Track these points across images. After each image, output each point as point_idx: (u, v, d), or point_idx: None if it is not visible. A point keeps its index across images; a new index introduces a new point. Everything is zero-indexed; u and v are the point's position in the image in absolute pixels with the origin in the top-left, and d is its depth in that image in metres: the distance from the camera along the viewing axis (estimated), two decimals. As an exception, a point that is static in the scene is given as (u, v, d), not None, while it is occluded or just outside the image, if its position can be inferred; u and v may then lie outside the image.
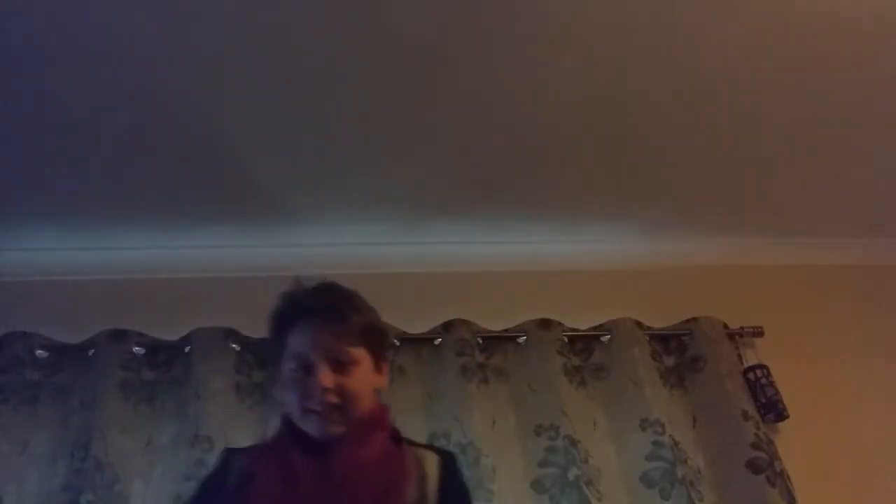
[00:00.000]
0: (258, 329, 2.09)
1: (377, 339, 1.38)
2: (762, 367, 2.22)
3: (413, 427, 2.00)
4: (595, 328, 2.26)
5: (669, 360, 2.26)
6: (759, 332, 2.33)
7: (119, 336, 2.04)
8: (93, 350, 2.03)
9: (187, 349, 2.05)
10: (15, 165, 2.02)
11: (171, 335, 2.08)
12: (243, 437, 1.92)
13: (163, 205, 2.20)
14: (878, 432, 2.24)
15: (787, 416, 2.15)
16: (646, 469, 1.98)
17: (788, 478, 1.99)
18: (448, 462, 1.36)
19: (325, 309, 1.34)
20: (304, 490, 1.23)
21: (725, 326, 2.29)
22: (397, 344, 2.14)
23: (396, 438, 1.36)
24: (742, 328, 2.32)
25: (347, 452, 1.27)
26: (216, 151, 2.03)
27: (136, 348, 2.05)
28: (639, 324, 2.25)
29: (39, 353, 2.04)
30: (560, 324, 2.22)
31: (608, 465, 2.01)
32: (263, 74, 1.84)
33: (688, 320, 2.29)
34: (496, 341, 2.21)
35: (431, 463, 1.32)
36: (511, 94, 1.95)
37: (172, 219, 2.25)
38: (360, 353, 1.32)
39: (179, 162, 2.06)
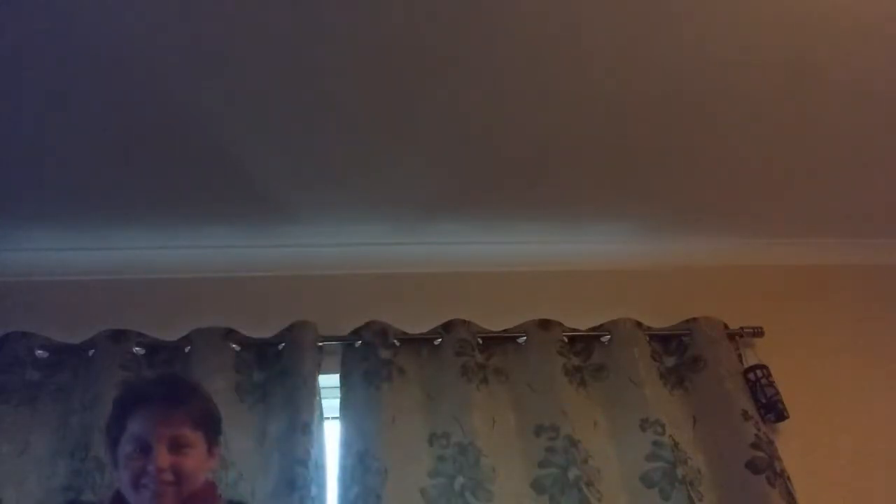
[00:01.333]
0: (258, 329, 2.11)
1: (212, 425, 1.51)
2: (762, 367, 2.22)
3: (413, 427, 2.01)
4: (595, 328, 2.26)
5: (669, 361, 2.26)
6: (759, 332, 2.33)
7: (119, 336, 2.04)
8: (93, 350, 2.03)
9: (187, 349, 2.05)
10: (15, 165, 2.02)
11: (171, 335, 2.08)
12: (243, 437, 1.92)
13: (163, 205, 2.20)
14: (877, 432, 2.24)
15: (787, 416, 2.15)
16: (646, 469, 1.98)
17: (788, 478, 1.99)
18: None
19: (165, 395, 1.46)
20: None
21: (725, 326, 2.29)
22: (397, 344, 2.14)
23: None
24: (742, 328, 2.32)
25: None
26: (216, 151, 2.03)
27: (136, 348, 2.05)
28: (639, 324, 2.25)
29: (39, 353, 2.04)
30: (560, 324, 2.22)
31: (608, 466, 2.01)
32: (264, 75, 1.84)
33: (688, 320, 2.29)
34: (496, 341, 2.21)
35: None
36: (511, 94, 1.95)
37: (172, 219, 2.25)
38: (196, 437, 1.45)
39: (179, 162, 2.06)
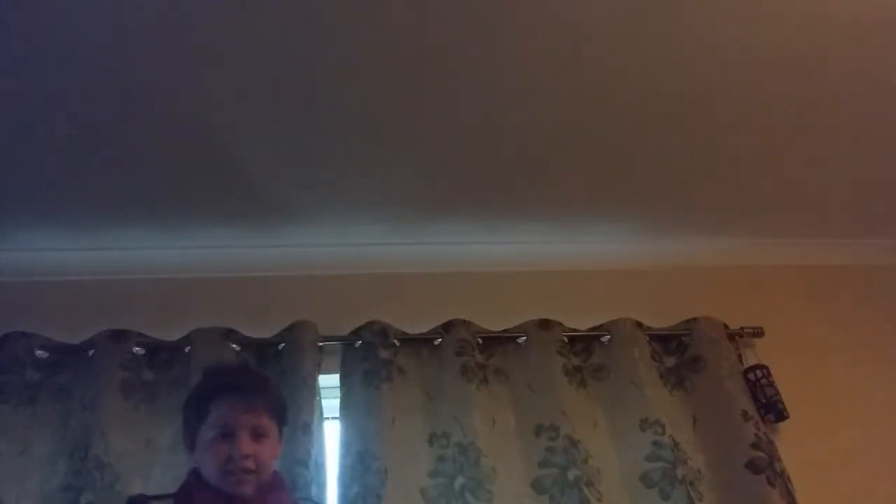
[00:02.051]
0: (258, 329, 2.11)
1: (284, 414, 1.59)
2: (762, 367, 2.22)
3: (413, 427, 2.01)
4: (595, 328, 2.26)
5: (669, 361, 2.26)
6: (759, 333, 2.33)
7: (119, 336, 2.04)
8: (93, 350, 2.03)
9: (187, 349, 2.05)
10: (15, 165, 2.02)
11: (171, 335, 2.08)
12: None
13: (162, 205, 2.20)
14: (877, 432, 2.24)
15: (787, 416, 2.15)
16: (646, 469, 1.98)
17: (788, 478, 1.99)
18: None
19: (249, 386, 1.54)
20: None
21: (725, 327, 2.29)
22: (397, 344, 2.14)
23: (291, 495, 1.60)
24: (742, 328, 2.32)
25: None
26: (216, 151, 2.03)
27: (136, 348, 2.05)
28: (639, 324, 2.25)
29: (39, 353, 2.04)
30: (560, 324, 2.22)
31: (608, 466, 2.01)
32: (264, 75, 1.84)
33: (688, 321, 2.29)
34: (496, 341, 2.21)
35: None
36: (511, 94, 1.95)
37: (172, 219, 2.25)
38: (272, 427, 1.53)
39: (179, 162, 2.06)
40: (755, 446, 2.01)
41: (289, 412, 1.62)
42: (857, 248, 2.63)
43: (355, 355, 2.11)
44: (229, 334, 2.08)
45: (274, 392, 1.59)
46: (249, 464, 1.45)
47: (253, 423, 1.48)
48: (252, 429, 1.48)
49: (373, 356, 2.07)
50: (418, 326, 2.20)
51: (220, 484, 1.45)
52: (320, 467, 1.90)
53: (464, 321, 2.18)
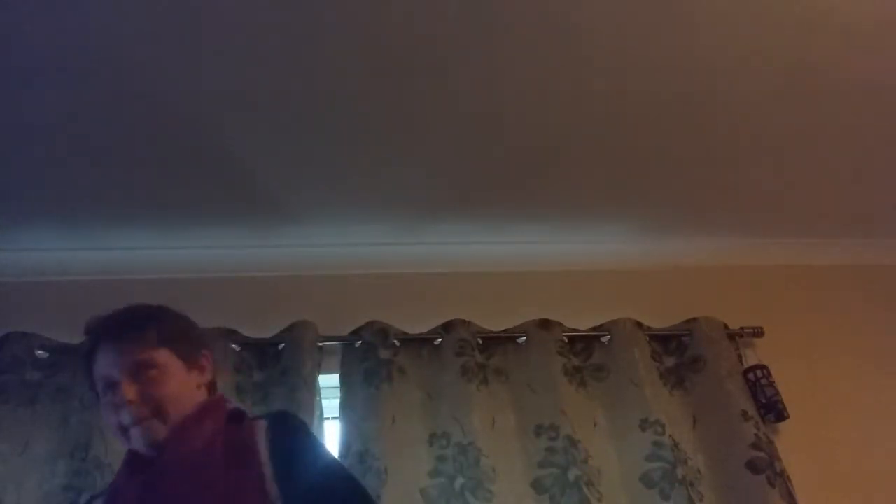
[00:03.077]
0: (258, 329, 2.11)
1: (181, 338, 1.35)
2: (762, 367, 2.22)
3: (413, 427, 2.01)
4: (595, 328, 2.26)
5: (669, 361, 2.26)
6: (759, 333, 2.32)
7: (119, 336, 2.03)
8: (93, 350, 2.02)
9: (187, 349, 2.05)
10: (15, 165, 2.02)
11: (171, 335, 2.08)
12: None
13: (163, 205, 2.20)
14: (878, 432, 2.24)
15: (787, 417, 2.15)
16: (646, 469, 1.97)
17: (788, 478, 1.99)
18: (274, 423, 1.26)
19: (116, 326, 1.32)
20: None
21: (725, 327, 2.29)
22: (397, 345, 2.14)
23: (237, 418, 1.31)
24: (742, 328, 2.32)
25: (174, 451, 1.22)
26: (216, 151, 2.03)
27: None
28: (639, 324, 2.25)
29: (39, 353, 2.03)
30: (560, 324, 2.22)
31: (608, 466, 2.01)
32: (264, 75, 1.84)
33: (688, 321, 2.29)
34: (496, 341, 2.21)
35: (260, 430, 1.24)
36: (511, 94, 1.95)
37: (172, 219, 2.25)
38: (165, 356, 1.30)
39: (179, 162, 2.06)
40: (755, 446, 2.01)
41: (188, 334, 1.37)
42: (857, 248, 2.63)
43: (355, 355, 2.11)
44: (229, 334, 2.08)
45: (160, 321, 1.35)
46: (140, 410, 1.23)
47: (131, 362, 1.26)
48: (131, 367, 1.26)
49: (373, 356, 2.07)
50: (418, 326, 2.20)
51: (129, 444, 1.26)
52: (320, 467, 1.90)
53: (464, 321, 2.18)
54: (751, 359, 2.28)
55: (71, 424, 1.91)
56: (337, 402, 2.05)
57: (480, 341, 2.18)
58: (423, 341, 2.17)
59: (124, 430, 1.26)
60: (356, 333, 2.14)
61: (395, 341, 2.13)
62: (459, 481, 1.90)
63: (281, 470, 1.19)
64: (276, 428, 1.25)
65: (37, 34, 1.68)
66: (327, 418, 2.05)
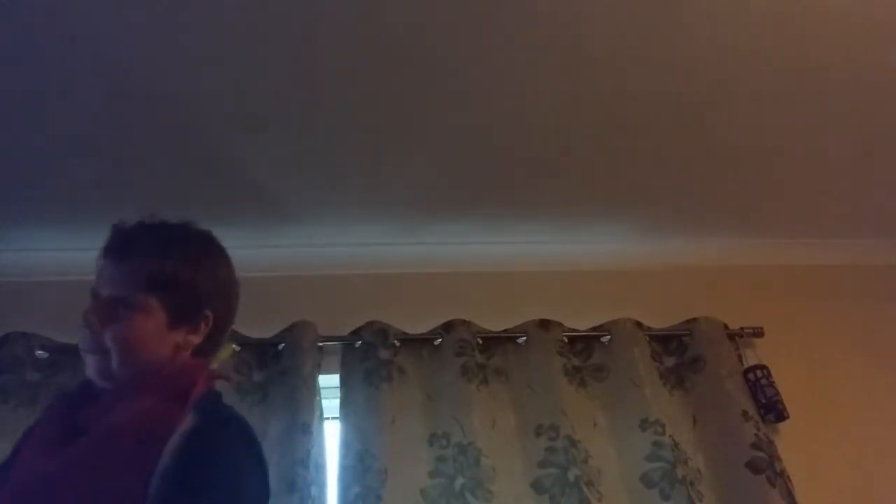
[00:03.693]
0: (258, 329, 2.10)
1: (181, 288, 1.20)
2: (762, 367, 2.22)
3: (413, 427, 2.01)
4: (595, 328, 2.26)
5: (669, 361, 2.26)
6: (759, 333, 2.32)
7: (119, 336, 2.03)
8: (93, 350, 2.02)
9: (187, 349, 2.05)
10: (15, 165, 2.02)
11: (171, 335, 2.08)
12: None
13: (163, 205, 2.17)
14: (878, 432, 2.24)
15: (787, 417, 2.15)
16: (646, 469, 1.98)
17: (788, 478, 1.99)
18: (196, 429, 1.09)
19: (119, 246, 1.21)
20: (50, 449, 1.07)
21: (725, 327, 2.29)
22: (397, 345, 2.14)
23: (182, 403, 1.11)
24: (742, 328, 2.32)
25: (108, 409, 1.09)
26: (216, 152, 2.03)
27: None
28: (639, 324, 2.25)
29: (39, 353, 2.03)
30: (560, 324, 2.22)
31: (608, 466, 2.01)
32: (264, 75, 1.83)
33: (688, 321, 2.29)
34: (496, 341, 2.21)
35: (183, 429, 1.09)
36: (511, 94, 1.95)
37: (172, 219, 2.24)
38: (150, 302, 1.17)
39: (179, 162, 2.06)
40: (755, 446, 2.01)
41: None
42: (857, 248, 2.63)
43: (355, 355, 2.11)
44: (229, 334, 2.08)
45: (163, 260, 1.21)
46: (99, 341, 1.13)
47: (110, 294, 1.16)
48: (108, 299, 1.16)
49: (373, 356, 2.07)
50: (418, 326, 2.20)
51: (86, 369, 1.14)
52: (320, 467, 1.90)
53: (464, 321, 2.18)
54: (751, 359, 2.28)
55: (71, 424, 1.91)
56: (337, 402, 2.05)
57: (480, 341, 2.18)
58: (423, 341, 2.17)
59: (83, 351, 1.16)
60: (356, 333, 2.14)
61: (395, 341, 2.13)
62: (459, 481, 1.90)
63: (169, 479, 1.03)
64: (193, 437, 1.08)
65: (37, 34, 1.68)
66: (327, 418, 2.05)
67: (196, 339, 1.24)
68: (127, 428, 1.07)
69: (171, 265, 1.21)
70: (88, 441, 1.06)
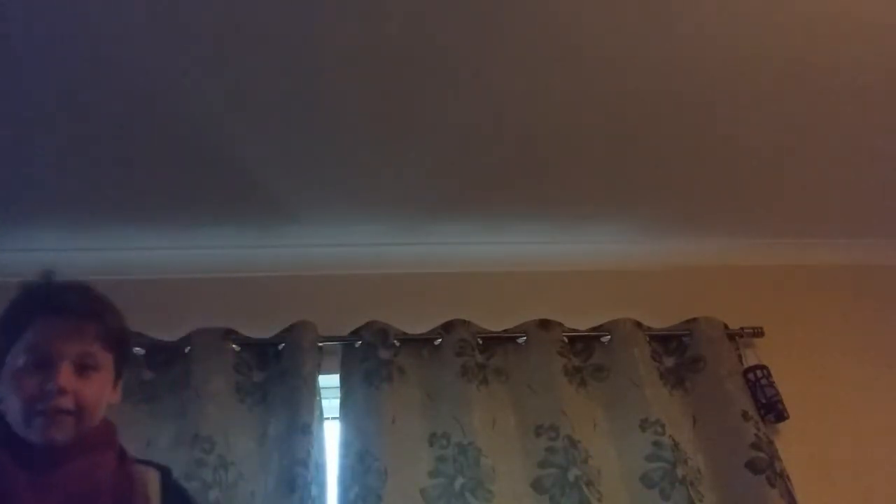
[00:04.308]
0: (258, 329, 2.11)
1: (124, 350, 1.28)
2: (762, 367, 2.22)
3: (413, 427, 2.01)
4: (595, 329, 2.26)
5: (669, 361, 2.26)
6: (759, 333, 2.32)
7: (119, 336, 2.03)
8: (93, 350, 2.02)
9: (187, 349, 2.05)
10: (15, 165, 2.02)
11: (171, 335, 2.08)
12: (243, 438, 1.92)
13: (163, 205, 2.20)
14: (878, 432, 2.24)
15: (787, 417, 2.15)
16: (646, 469, 1.98)
17: (788, 478, 1.99)
18: (166, 476, 1.28)
19: (79, 304, 1.22)
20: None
21: (725, 327, 2.29)
22: (397, 345, 2.14)
23: (122, 456, 1.24)
24: (742, 328, 2.32)
25: (75, 466, 1.14)
26: (216, 151, 2.03)
27: (136, 348, 2.04)
28: (639, 324, 2.25)
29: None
30: (560, 324, 2.22)
31: (608, 466, 2.01)
32: (263, 74, 1.84)
33: (688, 321, 2.29)
34: (496, 342, 2.21)
35: (153, 479, 1.24)
36: (511, 94, 1.95)
37: (173, 219, 2.25)
38: (106, 360, 1.22)
39: (179, 162, 2.06)
40: (755, 446, 2.01)
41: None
42: (857, 248, 2.63)
43: (355, 355, 2.11)
44: (229, 334, 2.08)
45: (115, 317, 1.25)
46: (66, 402, 1.13)
47: (78, 351, 1.17)
48: (77, 358, 1.16)
49: (373, 356, 2.07)
50: (418, 326, 2.20)
51: (25, 431, 1.12)
52: (320, 467, 1.90)
53: (464, 321, 2.18)
54: (751, 359, 2.28)
55: (71, 424, 1.91)
56: (337, 402, 2.05)
57: (480, 341, 2.18)
58: (423, 341, 2.17)
59: (31, 415, 1.13)
60: (356, 333, 2.14)
61: (395, 341, 2.13)
62: (459, 481, 1.90)
63: None
64: (167, 481, 1.27)
65: (37, 34, 1.68)
66: (327, 418, 2.05)
67: (117, 399, 1.29)
68: (106, 484, 1.16)
69: (126, 328, 1.29)
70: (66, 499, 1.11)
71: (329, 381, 2.11)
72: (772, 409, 2.15)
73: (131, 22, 1.67)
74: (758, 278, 2.50)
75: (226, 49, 1.76)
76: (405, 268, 2.38)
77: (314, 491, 1.83)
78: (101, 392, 1.20)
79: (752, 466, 1.98)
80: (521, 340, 2.21)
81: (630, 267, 2.47)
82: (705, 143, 2.18)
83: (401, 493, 1.88)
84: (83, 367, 1.18)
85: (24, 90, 1.81)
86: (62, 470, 1.13)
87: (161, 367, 2.05)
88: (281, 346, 2.09)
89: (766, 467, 1.98)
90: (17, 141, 1.95)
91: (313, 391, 1.99)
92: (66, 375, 1.15)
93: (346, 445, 1.95)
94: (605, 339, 2.24)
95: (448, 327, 2.17)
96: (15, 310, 1.24)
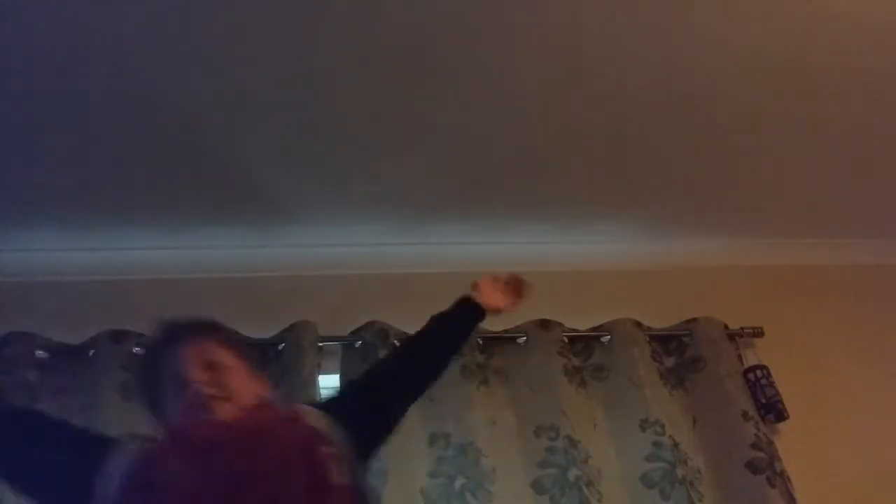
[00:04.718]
0: (258, 329, 2.10)
1: (245, 350, 1.44)
2: (762, 367, 2.22)
3: (413, 427, 2.00)
4: (595, 329, 2.26)
5: (669, 361, 2.26)
6: (759, 333, 2.32)
7: (119, 336, 2.03)
8: (93, 351, 2.02)
9: (187, 349, 2.05)
10: (15, 165, 2.02)
11: (172, 335, 2.08)
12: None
13: (163, 205, 2.20)
14: (878, 432, 2.24)
15: (787, 417, 2.15)
16: (646, 469, 1.98)
17: (788, 478, 2.00)
18: (316, 405, 1.43)
19: (191, 328, 1.41)
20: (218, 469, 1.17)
21: (725, 327, 2.29)
22: (397, 344, 2.13)
23: (287, 415, 1.37)
24: (742, 328, 2.32)
25: (251, 424, 1.26)
26: (216, 151, 2.03)
27: (136, 348, 2.04)
28: (639, 324, 2.25)
29: (39, 353, 2.03)
30: (560, 324, 2.22)
31: (608, 466, 2.01)
32: (263, 74, 1.84)
33: (688, 321, 2.29)
34: (496, 342, 2.21)
35: (310, 411, 1.36)
36: (511, 94, 1.95)
37: (172, 219, 2.25)
38: (231, 359, 1.37)
39: (179, 162, 2.06)
40: (755, 446, 2.01)
41: (251, 351, 1.51)
42: (857, 248, 2.63)
43: (355, 355, 2.11)
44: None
45: (224, 330, 1.45)
46: (211, 390, 1.28)
47: (203, 359, 1.32)
48: (203, 363, 1.32)
49: (373, 356, 2.07)
50: (418, 326, 2.18)
51: (195, 417, 1.28)
52: (320, 467, 1.90)
53: (464, 321, 2.17)
54: (751, 359, 2.28)
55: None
56: (337, 402, 2.05)
57: (480, 341, 2.17)
58: (423, 341, 2.17)
59: (189, 409, 1.28)
60: (356, 333, 2.14)
61: (395, 341, 2.13)
62: (459, 481, 1.90)
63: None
64: (321, 404, 1.43)
65: (37, 34, 1.68)
66: (327, 418, 2.05)
67: (266, 392, 1.44)
68: (284, 426, 1.31)
69: (228, 330, 1.50)
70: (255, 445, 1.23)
71: (329, 382, 2.11)
72: (772, 409, 2.15)
73: (132, 22, 1.67)
74: (758, 278, 2.50)
75: (226, 50, 1.76)
76: (405, 268, 2.37)
77: (314, 491, 1.83)
78: (237, 379, 1.34)
79: (752, 466, 1.99)
80: (521, 340, 2.21)
81: (630, 267, 2.47)
82: (705, 143, 2.18)
83: (401, 493, 1.88)
84: (211, 365, 1.33)
85: (24, 90, 1.81)
86: (243, 430, 1.24)
87: (161, 367, 2.04)
88: (281, 346, 2.09)
89: (766, 467, 1.98)
90: (17, 141, 1.95)
91: (313, 391, 1.99)
92: (197, 372, 1.31)
93: (346, 445, 1.94)
94: (605, 339, 2.24)
95: (448, 327, 2.16)
96: (148, 355, 1.45)
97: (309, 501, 1.17)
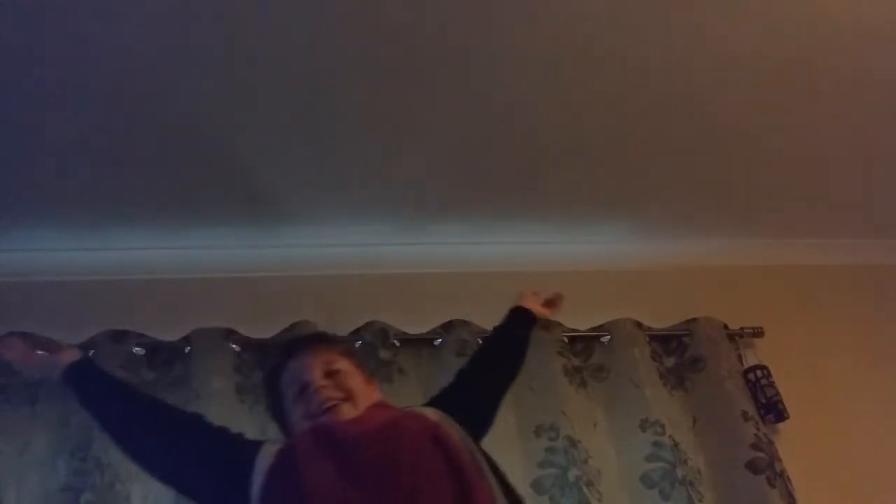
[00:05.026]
0: (258, 329, 2.11)
1: (360, 359, 1.58)
2: (762, 367, 2.22)
3: (413, 427, 2.00)
4: (595, 329, 2.26)
5: (669, 361, 2.26)
6: (759, 333, 2.32)
7: (119, 336, 2.03)
8: (93, 350, 2.02)
9: (187, 349, 2.05)
10: (15, 165, 2.02)
11: (171, 335, 2.08)
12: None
13: (163, 205, 2.20)
14: (878, 432, 2.24)
15: (787, 417, 2.15)
16: (646, 469, 1.98)
17: (788, 478, 2.00)
18: (431, 402, 1.59)
19: (310, 339, 1.60)
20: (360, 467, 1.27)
21: (725, 327, 2.29)
22: (397, 345, 2.14)
23: (409, 417, 1.46)
24: (742, 328, 2.32)
25: (383, 420, 1.36)
26: (216, 152, 2.03)
27: (136, 349, 2.05)
28: (639, 324, 2.25)
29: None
30: (560, 324, 2.22)
31: (608, 466, 2.01)
32: (263, 74, 1.84)
33: (688, 321, 2.29)
34: (496, 342, 2.21)
35: (429, 412, 1.47)
36: (511, 94, 1.95)
37: (172, 219, 2.25)
38: (348, 366, 1.52)
39: (179, 162, 2.06)
40: (755, 446, 2.01)
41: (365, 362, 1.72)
42: (857, 248, 2.63)
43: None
44: (229, 334, 2.08)
45: (331, 338, 1.65)
46: (332, 392, 1.42)
47: (321, 365, 1.47)
48: (322, 368, 1.47)
49: (373, 356, 2.07)
50: (418, 326, 2.19)
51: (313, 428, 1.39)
52: (320, 467, 1.90)
53: (464, 321, 2.18)
54: (751, 359, 2.28)
55: (71, 424, 1.90)
56: (337, 402, 2.04)
57: (480, 341, 2.17)
58: (423, 341, 2.17)
59: (314, 415, 1.40)
60: (356, 333, 2.14)
61: (395, 341, 2.13)
62: (459, 481, 1.89)
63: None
64: (436, 400, 1.60)
65: (36, 35, 1.68)
66: (327, 418, 2.05)
67: (379, 398, 1.55)
68: (406, 420, 1.42)
69: (338, 340, 1.72)
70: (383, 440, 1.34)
71: (329, 381, 2.11)
72: (772, 409, 2.15)
73: (132, 22, 1.67)
74: (758, 278, 2.50)
75: (227, 50, 1.76)
76: (405, 268, 2.37)
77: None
78: (354, 382, 1.48)
79: (752, 466, 1.98)
80: (521, 340, 2.21)
81: (630, 267, 2.47)
82: (705, 144, 2.18)
83: (401, 493, 1.88)
84: (330, 373, 1.47)
85: (24, 91, 1.81)
86: (368, 426, 1.35)
87: (161, 367, 2.05)
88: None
89: (766, 467, 1.98)
90: (17, 141, 1.94)
91: (313, 391, 1.99)
92: (318, 375, 1.46)
93: (346, 445, 1.94)
94: (605, 339, 2.24)
95: (448, 327, 2.17)
96: (270, 371, 1.61)
97: (454, 487, 1.26)
